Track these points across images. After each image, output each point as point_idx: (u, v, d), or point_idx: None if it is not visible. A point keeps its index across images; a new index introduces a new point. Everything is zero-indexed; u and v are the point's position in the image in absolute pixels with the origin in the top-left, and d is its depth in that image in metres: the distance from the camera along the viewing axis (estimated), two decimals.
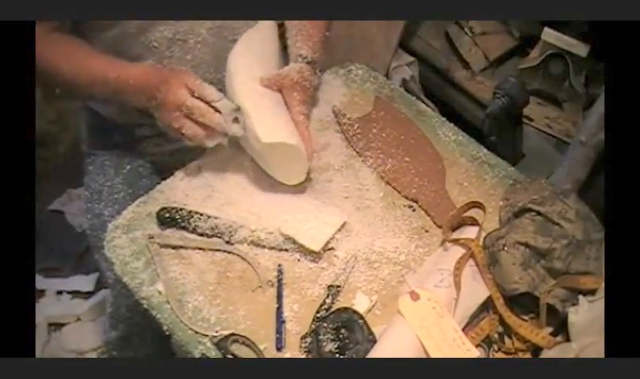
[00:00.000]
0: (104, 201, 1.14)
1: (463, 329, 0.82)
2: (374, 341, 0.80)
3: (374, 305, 0.87)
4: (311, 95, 1.02)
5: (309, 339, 0.82)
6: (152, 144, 1.16)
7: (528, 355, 0.83)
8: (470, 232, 0.94)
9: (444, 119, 1.14)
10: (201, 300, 0.86)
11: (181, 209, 0.93)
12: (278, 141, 0.91)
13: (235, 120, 0.91)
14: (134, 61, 1.01)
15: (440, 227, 0.97)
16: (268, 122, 0.92)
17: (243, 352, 0.82)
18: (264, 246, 0.92)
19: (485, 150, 1.09)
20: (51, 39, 0.96)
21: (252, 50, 0.99)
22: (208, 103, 0.90)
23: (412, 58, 1.91)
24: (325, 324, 0.82)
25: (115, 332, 1.27)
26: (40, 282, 1.71)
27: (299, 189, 0.98)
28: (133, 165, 1.15)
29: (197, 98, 0.90)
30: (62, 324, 1.67)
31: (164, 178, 1.01)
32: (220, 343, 0.82)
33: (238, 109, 0.91)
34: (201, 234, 0.92)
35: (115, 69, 0.95)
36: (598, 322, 0.77)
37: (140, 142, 1.15)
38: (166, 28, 1.00)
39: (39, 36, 0.92)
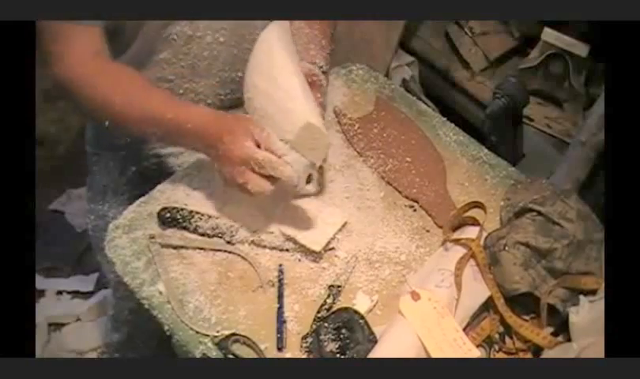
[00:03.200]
0: (108, 202, 1.13)
1: (464, 329, 0.82)
2: (374, 341, 0.80)
3: (374, 305, 0.87)
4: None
5: (310, 339, 0.82)
6: (157, 146, 1.15)
7: (529, 355, 0.83)
8: (471, 232, 0.94)
9: (444, 119, 1.14)
10: (202, 300, 0.86)
11: (182, 209, 0.93)
12: (317, 125, 0.86)
13: (309, 178, 0.87)
14: (151, 54, 0.98)
15: (441, 227, 0.97)
16: (311, 105, 0.88)
17: (244, 352, 0.82)
18: (265, 246, 0.92)
19: (486, 150, 1.09)
20: (102, 68, 0.92)
21: (285, 41, 0.94)
22: (277, 156, 0.85)
23: (412, 58, 1.92)
24: (325, 324, 0.82)
25: (118, 334, 1.27)
26: (40, 282, 1.71)
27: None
28: (137, 166, 1.15)
29: (264, 149, 0.85)
30: (62, 324, 1.67)
31: None
32: (221, 343, 0.82)
33: (313, 165, 0.87)
34: (202, 234, 0.92)
35: (172, 110, 0.89)
36: (599, 322, 0.77)
37: (144, 143, 1.15)
38: (187, 24, 0.98)
39: (80, 58, 0.90)
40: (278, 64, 0.88)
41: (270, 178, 0.85)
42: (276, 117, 0.87)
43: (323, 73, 0.99)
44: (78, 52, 0.91)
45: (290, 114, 0.86)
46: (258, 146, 0.84)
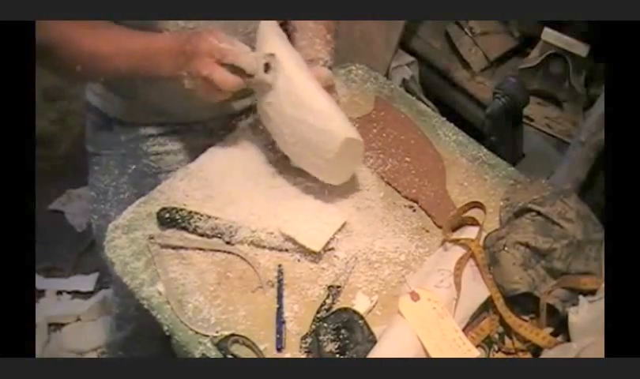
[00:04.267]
0: (110, 202, 1.13)
1: (463, 329, 0.82)
2: (374, 341, 0.80)
3: (374, 306, 0.87)
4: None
5: (309, 340, 0.82)
6: (157, 144, 1.16)
7: (528, 355, 0.83)
8: (470, 232, 0.94)
9: (444, 119, 1.14)
10: (201, 300, 0.86)
11: (181, 209, 0.93)
12: (355, 137, 0.90)
13: (267, 66, 0.88)
14: None
15: (440, 227, 0.97)
16: (342, 118, 0.91)
17: (244, 352, 0.82)
18: (264, 247, 0.92)
19: (485, 150, 1.09)
20: (74, 24, 0.94)
21: (290, 50, 0.95)
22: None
23: (412, 58, 1.92)
24: (325, 325, 0.82)
25: (122, 332, 1.27)
26: (40, 282, 1.71)
27: (299, 189, 0.98)
28: (138, 165, 1.15)
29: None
30: (62, 324, 1.67)
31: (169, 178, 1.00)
32: (221, 344, 0.82)
33: (271, 55, 0.88)
34: (202, 235, 0.92)
35: (141, 38, 0.93)
36: (598, 322, 0.77)
37: (144, 141, 1.15)
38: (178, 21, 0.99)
39: (58, 26, 0.92)
40: (298, 83, 0.90)
41: (234, 72, 0.87)
42: (312, 140, 0.90)
43: (329, 68, 1.00)
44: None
45: (326, 135, 0.89)
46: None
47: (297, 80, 0.89)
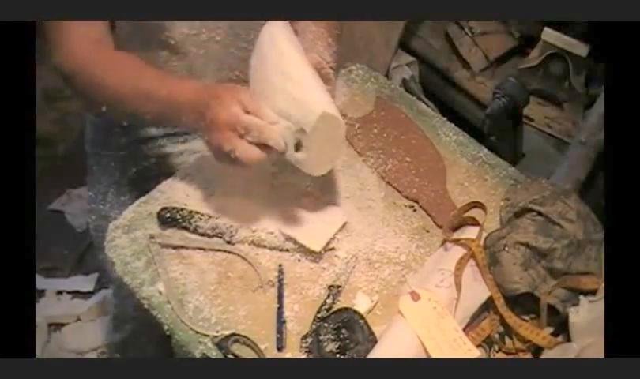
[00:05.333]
0: (110, 203, 1.13)
1: (464, 329, 0.82)
2: (374, 341, 0.80)
3: (374, 306, 0.87)
4: None
5: (309, 339, 0.82)
6: (157, 145, 1.15)
7: (528, 355, 0.83)
8: (471, 232, 0.94)
9: (444, 119, 1.14)
10: (201, 300, 0.86)
11: (182, 209, 0.93)
12: (334, 114, 0.84)
13: (298, 145, 0.83)
14: (147, 53, 0.97)
15: (441, 227, 0.97)
16: (326, 95, 0.86)
17: (244, 352, 0.82)
18: (264, 246, 0.92)
19: (486, 150, 1.09)
20: (98, 55, 0.92)
21: (290, 35, 0.92)
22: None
23: (412, 58, 1.92)
24: (325, 324, 0.82)
25: (119, 334, 1.27)
26: (40, 282, 1.71)
27: (299, 189, 0.98)
28: (138, 166, 1.15)
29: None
30: (62, 324, 1.67)
31: None
32: (221, 343, 0.82)
33: (302, 131, 0.82)
34: (202, 234, 0.92)
35: (165, 86, 0.88)
36: (599, 322, 0.77)
37: (145, 143, 1.15)
38: (182, 23, 0.97)
39: (82, 48, 0.92)
40: (288, 56, 0.86)
41: (260, 146, 0.81)
42: (291, 110, 0.83)
43: (331, 68, 0.97)
44: (77, 41, 0.92)
45: (306, 106, 0.83)
46: (247, 113, 0.82)
47: (288, 53, 0.86)
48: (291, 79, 0.84)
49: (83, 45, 0.92)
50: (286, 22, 0.93)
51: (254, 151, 0.81)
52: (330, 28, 1.02)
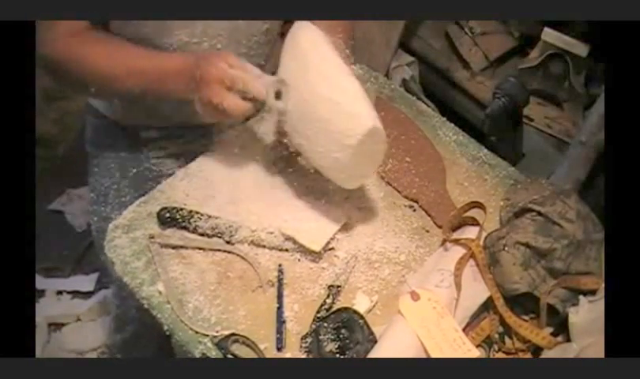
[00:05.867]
0: (110, 204, 1.13)
1: (463, 329, 0.82)
2: (374, 341, 0.80)
3: (374, 306, 0.87)
4: None
5: (309, 339, 0.82)
6: (158, 147, 1.15)
7: (528, 355, 0.83)
8: (471, 232, 0.94)
9: (444, 119, 1.14)
10: (201, 300, 0.86)
11: (181, 209, 0.93)
12: (382, 131, 0.85)
13: (278, 94, 0.86)
14: None
15: (440, 227, 0.97)
16: (372, 108, 0.86)
17: (244, 352, 0.82)
18: (264, 246, 0.92)
19: (485, 150, 1.10)
20: (86, 39, 0.94)
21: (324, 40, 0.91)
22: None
23: (412, 58, 1.92)
24: (325, 324, 0.82)
25: (121, 334, 1.27)
26: (40, 282, 1.71)
27: (299, 189, 0.98)
28: (138, 168, 1.15)
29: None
30: (62, 324, 1.67)
31: None
32: (221, 343, 0.82)
33: (282, 81, 0.86)
34: (202, 234, 0.92)
35: (152, 59, 0.93)
36: (598, 322, 0.77)
37: (145, 144, 1.15)
38: (182, 32, 0.99)
39: (69, 37, 0.93)
40: (335, 65, 0.86)
41: (245, 99, 0.86)
42: (337, 120, 0.84)
43: None
44: (62, 31, 0.94)
45: (354, 118, 0.83)
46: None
47: (334, 61, 0.86)
48: (339, 89, 0.84)
49: (67, 31, 0.93)
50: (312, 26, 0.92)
51: (240, 103, 0.86)
52: (346, 39, 1.01)
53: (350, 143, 0.83)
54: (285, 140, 0.96)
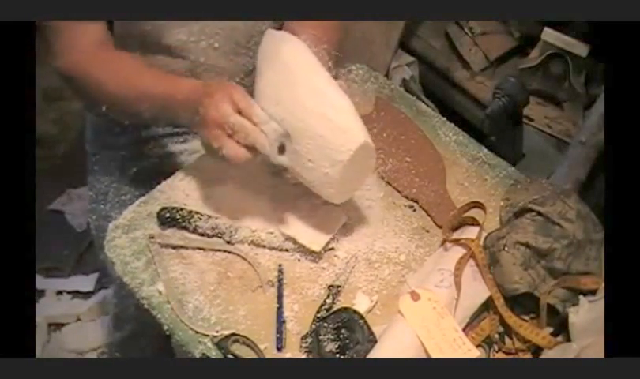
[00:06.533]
0: (110, 202, 1.13)
1: (463, 329, 0.82)
2: (374, 341, 0.80)
3: (374, 306, 0.87)
4: None
5: (309, 339, 0.82)
6: (157, 145, 1.15)
7: (528, 355, 0.83)
8: (471, 232, 0.94)
9: (444, 119, 1.14)
10: (201, 300, 0.86)
11: (181, 209, 0.93)
12: (372, 147, 0.85)
13: (281, 149, 0.83)
14: (147, 61, 0.98)
15: (440, 227, 0.97)
16: (362, 123, 0.85)
17: (244, 352, 0.82)
18: (264, 246, 0.92)
19: (485, 150, 1.09)
20: (98, 57, 0.94)
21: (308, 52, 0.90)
22: (254, 123, 0.82)
23: (412, 58, 1.92)
24: (325, 324, 0.82)
25: (120, 333, 1.27)
26: (40, 282, 1.71)
27: (300, 189, 0.98)
28: (138, 167, 1.15)
29: (243, 116, 0.82)
30: (62, 324, 1.67)
31: None
32: (221, 343, 0.82)
33: (287, 135, 0.83)
34: (202, 234, 0.92)
35: (162, 84, 0.91)
36: (598, 322, 0.77)
37: (146, 143, 1.15)
38: (180, 30, 0.98)
39: (82, 52, 0.93)
40: (325, 79, 0.85)
41: (248, 147, 0.83)
42: (330, 136, 0.83)
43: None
44: (76, 45, 0.93)
45: (346, 133, 0.83)
46: (240, 113, 0.83)
47: (322, 75, 0.85)
48: (329, 104, 0.83)
49: (82, 48, 0.93)
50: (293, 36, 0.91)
51: (240, 152, 0.82)
52: (330, 50, 0.98)
53: (341, 158, 0.83)
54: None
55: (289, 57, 0.86)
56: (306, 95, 0.84)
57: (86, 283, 1.73)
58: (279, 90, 0.86)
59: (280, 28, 1.09)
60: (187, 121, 0.90)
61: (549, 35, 1.71)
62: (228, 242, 0.92)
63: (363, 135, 0.84)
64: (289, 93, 0.85)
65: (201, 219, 0.92)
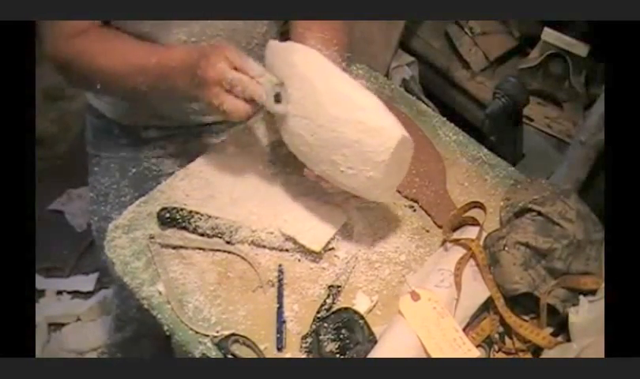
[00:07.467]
0: (110, 204, 1.13)
1: (464, 329, 0.82)
2: (374, 341, 0.80)
3: (374, 306, 0.87)
4: None
5: (309, 340, 0.82)
6: (158, 147, 1.15)
7: (528, 355, 0.83)
8: (471, 232, 0.94)
9: (444, 119, 1.14)
10: (201, 300, 0.86)
11: (181, 209, 0.93)
12: (409, 138, 0.83)
13: (277, 97, 0.85)
14: None
15: (441, 227, 0.97)
16: (393, 116, 0.84)
17: (244, 352, 0.82)
18: (264, 246, 0.92)
19: (485, 150, 1.09)
20: (88, 37, 0.94)
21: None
22: (250, 77, 0.84)
23: (412, 58, 1.92)
24: (325, 324, 0.82)
25: (121, 333, 1.27)
26: (40, 282, 1.71)
27: (299, 189, 0.98)
28: (138, 168, 1.15)
29: (239, 71, 0.84)
30: (62, 324, 1.67)
31: None
32: (221, 343, 0.82)
33: (281, 84, 0.85)
34: (202, 234, 0.92)
35: (155, 54, 0.91)
36: (599, 322, 0.77)
37: (145, 144, 1.15)
38: (180, 31, 0.99)
39: (72, 36, 0.94)
40: (350, 85, 0.84)
41: (247, 100, 0.84)
42: (367, 139, 0.81)
43: None
44: (69, 30, 0.94)
45: (382, 132, 0.82)
46: (235, 69, 0.84)
47: (345, 78, 0.84)
48: (357, 107, 0.82)
49: (72, 31, 0.94)
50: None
51: (240, 105, 0.85)
52: (342, 51, 0.99)
53: (382, 158, 0.82)
54: (285, 142, 0.95)
55: (304, 68, 0.85)
56: (331, 103, 0.83)
57: (86, 283, 1.73)
58: (303, 105, 0.85)
59: (281, 29, 1.09)
60: (185, 85, 0.89)
61: (549, 35, 1.71)
62: (228, 242, 0.92)
63: (398, 129, 0.83)
64: (313, 106, 0.84)
65: (201, 219, 0.92)
